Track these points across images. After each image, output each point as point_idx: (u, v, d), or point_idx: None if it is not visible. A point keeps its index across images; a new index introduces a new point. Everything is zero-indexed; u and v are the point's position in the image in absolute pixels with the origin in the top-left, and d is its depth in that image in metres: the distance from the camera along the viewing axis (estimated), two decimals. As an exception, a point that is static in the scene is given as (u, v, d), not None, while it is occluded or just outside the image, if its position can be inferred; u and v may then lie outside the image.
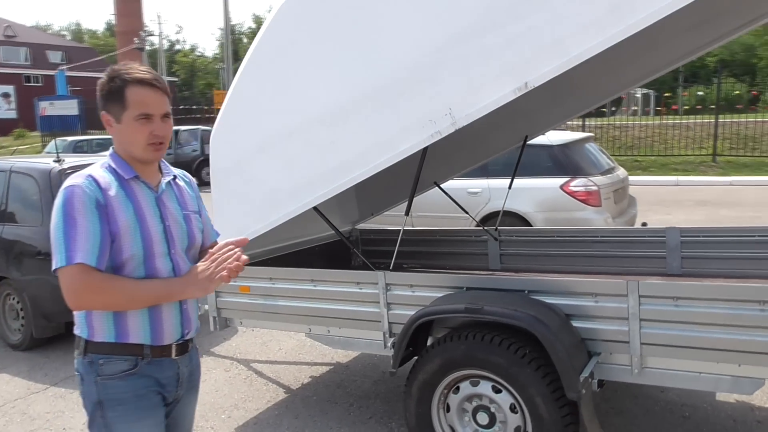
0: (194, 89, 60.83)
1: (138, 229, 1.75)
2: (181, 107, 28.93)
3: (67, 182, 1.72)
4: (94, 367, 1.77)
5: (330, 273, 3.44)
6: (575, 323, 2.73)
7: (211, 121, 26.11)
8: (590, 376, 2.63)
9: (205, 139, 18.15)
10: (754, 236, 3.77)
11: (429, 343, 3.08)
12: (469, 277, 3.07)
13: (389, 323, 3.20)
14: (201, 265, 1.78)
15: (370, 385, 4.22)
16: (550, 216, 6.48)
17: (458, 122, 2.89)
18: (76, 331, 1.81)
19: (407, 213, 3.33)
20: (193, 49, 75.49)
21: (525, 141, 4.38)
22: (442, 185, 4.69)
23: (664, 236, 4.00)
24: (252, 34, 61.44)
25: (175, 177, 1.96)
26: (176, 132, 18.78)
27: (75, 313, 1.79)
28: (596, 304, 2.70)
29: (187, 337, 1.91)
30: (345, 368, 4.55)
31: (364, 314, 3.29)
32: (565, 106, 4.26)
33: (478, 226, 4.69)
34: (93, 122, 25.84)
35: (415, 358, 3.04)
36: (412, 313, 3.05)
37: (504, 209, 6.67)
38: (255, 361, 4.79)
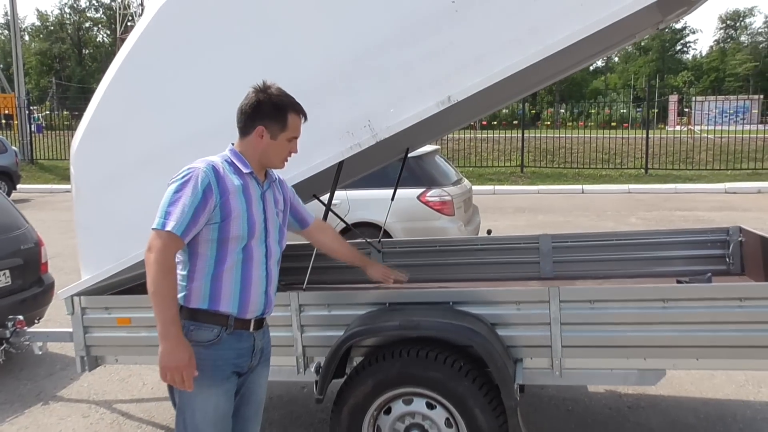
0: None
1: (246, 216, 2.11)
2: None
3: (192, 164, 2.09)
4: (185, 331, 2.04)
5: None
6: (500, 331, 2.80)
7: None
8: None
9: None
10: (613, 240, 4.20)
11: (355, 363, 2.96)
12: (389, 292, 3.00)
13: (303, 347, 3.02)
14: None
15: (276, 411, 3.94)
16: (408, 226, 6.65)
17: (379, 134, 2.83)
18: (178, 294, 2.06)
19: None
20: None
21: (407, 153, 4.44)
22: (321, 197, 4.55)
23: (537, 243, 4.30)
24: (36, 32, 54.94)
25: (275, 180, 2.34)
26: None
27: (178, 277, 2.08)
28: (519, 312, 2.79)
29: (265, 315, 2.26)
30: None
31: (274, 339, 3.05)
32: (442, 120, 4.39)
33: (365, 238, 4.62)
34: None
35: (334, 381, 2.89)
36: (330, 334, 2.91)
37: (363, 220, 6.82)
38: (118, 402, 4.22)
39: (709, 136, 17.49)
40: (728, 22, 55.37)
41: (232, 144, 2.23)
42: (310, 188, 4.47)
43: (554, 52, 2.65)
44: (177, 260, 2.08)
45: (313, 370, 2.86)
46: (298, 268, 4.00)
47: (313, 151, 2.89)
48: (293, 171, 2.94)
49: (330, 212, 4.53)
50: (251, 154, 2.19)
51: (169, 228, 1.98)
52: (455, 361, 2.66)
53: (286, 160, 2.26)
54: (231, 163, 2.16)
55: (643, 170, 15.98)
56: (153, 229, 2.00)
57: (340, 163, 3.00)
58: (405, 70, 2.77)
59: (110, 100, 3.20)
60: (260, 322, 2.26)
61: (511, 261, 4.36)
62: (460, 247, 4.46)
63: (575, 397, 3.98)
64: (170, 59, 3.02)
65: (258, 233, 2.15)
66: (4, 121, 24.52)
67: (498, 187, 14.85)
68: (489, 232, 6.37)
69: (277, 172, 2.41)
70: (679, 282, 3.52)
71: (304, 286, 3.08)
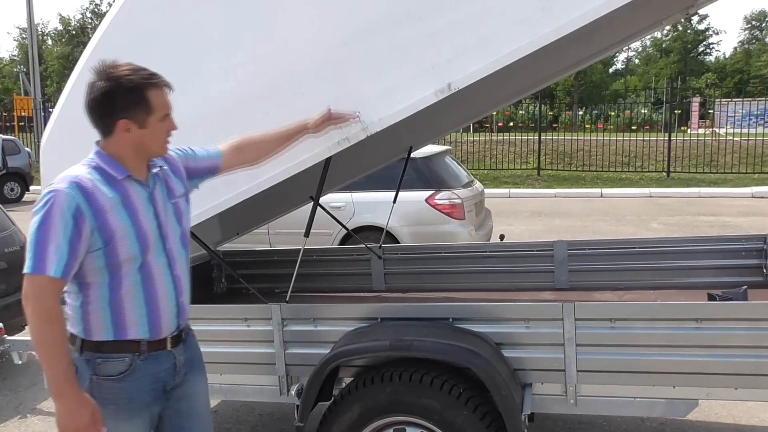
0: (-14, 94, 53.48)
1: (133, 232, 1.78)
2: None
3: (51, 185, 1.73)
4: (91, 366, 1.81)
5: (209, 309, 2.84)
6: (506, 352, 2.46)
7: (10, 130, 22.99)
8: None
9: (6, 149, 15.78)
10: (634, 248, 3.83)
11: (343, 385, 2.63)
12: (383, 306, 2.68)
13: (287, 365, 2.70)
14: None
15: (266, 430, 3.64)
16: (416, 230, 6.32)
17: (370, 127, 2.52)
18: (71, 328, 1.82)
19: (307, 233, 2.85)
20: (-17, 49, 66.40)
21: (410, 152, 4.11)
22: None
23: (551, 250, 3.93)
24: (59, 36, 55.50)
25: (161, 168, 1.94)
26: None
27: (70, 309, 1.83)
28: (529, 330, 2.45)
29: (182, 326, 1.94)
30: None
31: (254, 356, 2.75)
32: (448, 115, 4.06)
33: (365, 243, 4.29)
34: None
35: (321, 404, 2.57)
36: (316, 352, 2.59)
37: (368, 224, 6.50)
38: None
39: (734, 139, 16.91)
40: (753, 22, 54.19)
41: (97, 144, 1.84)
42: (305, 189, 4.17)
43: (569, 33, 2.30)
44: (66, 290, 1.80)
45: (294, 392, 2.54)
46: (282, 275, 3.70)
47: (297, 145, 2.58)
48: (275, 169, 2.65)
49: (329, 215, 4.25)
50: (123, 153, 1.81)
51: (46, 272, 1.66)
52: (453, 387, 2.32)
53: (168, 142, 1.90)
54: (100, 170, 1.79)
55: (665, 173, 15.47)
56: (25, 273, 1.67)
57: (328, 160, 2.68)
58: (399, 55, 2.45)
59: (81, 88, 2.93)
60: (178, 337, 1.94)
61: (523, 270, 4.00)
62: (466, 253, 4.12)
63: (591, 420, 3.62)
64: (143, 45, 2.73)
65: (153, 245, 1.83)
66: (23, 123, 24.65)
67: (513, 191, 14.44)
68: (502, 237, 6.01)
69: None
70: (710, 296, 3.13)
71: (287, 298, 2.76)
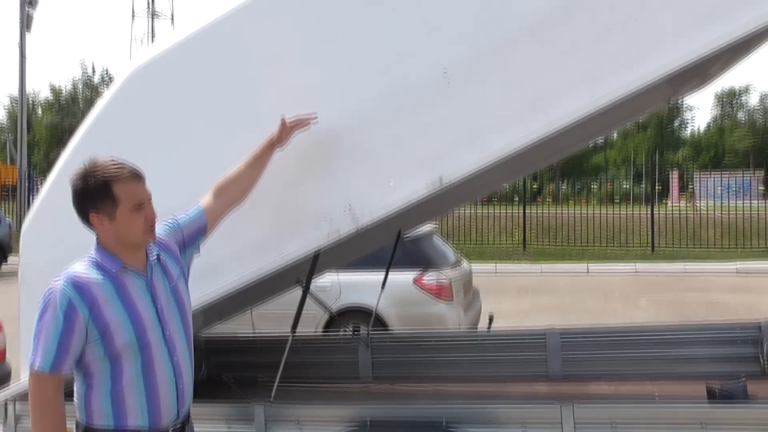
0: (-30, 162, 53.33)
1: (129, 322, 1.84)
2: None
3: (51, 282, 1.86)
4: None
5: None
6: (503, 459, 2.32)
7: (-7, 200, 22.84)
8: None
9: (-13, 221, 15.55)
10: (629, 336, 3.75)
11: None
12: (372, 408, 2.53)
13: (269, 473, 2.53)
14: None
15: None
16: (403, 311, 6.18)
17: (361, 220, 2.46)
18: (77, 415, 1.89)
19: (295, 327, 2.75)
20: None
21: (399, 236, 4.05)
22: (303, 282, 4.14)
23: (544, 338, 3.83)
24: (49, 105, 56.13)
25: (158, 255, 1.99)
26: (-52, 213, 15.96)
27: (75, 396, 1.89)
28: (526, 435, 2.32)
29: (183, 417, 1.96)
30: None
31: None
32: (438, 200, 4.04)
33: (354, 330, 4.17)
34: None
35: None
36: (301, 457, 2.43)
37: (355, 305, 6.36)
38: None
39: (716, 213, 17.17)
40: (724, 99, 56.38)
41: (96, 239, 1.94)
42: (291, 272, 4.08)
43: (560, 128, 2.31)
44: (75, 378, 1.89)
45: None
46: (266, 364, 3.55)
47: (285, 237, 2.53)
48: (261, 262, 2.57)
49: (316, 301, 4.15)
50: (111, 245, 1.90)
51: (36, 366, 1.78)
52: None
53: (152, 229, 1.94)
54: (97, 264, 1.88)
55: (649, 248, 15.57)
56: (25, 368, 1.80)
57: (317, 252, 2.61)
58: (391, 148, 2.44)
59: (65, 178, 2.88)
60: (181, 430, 1.97)
61: (515, 359, 3.88)
62: (457, 342, 4.01)
63: None
64: (127, 139, 2.71)
65: (152, 333, 1.88)
66: (6, 192, 24.50)
67: (500, 266, 14.38)
68: (491, 318, 5.89)
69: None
70: (709, 390, 3.03)
71: (272, 395, 2.62)
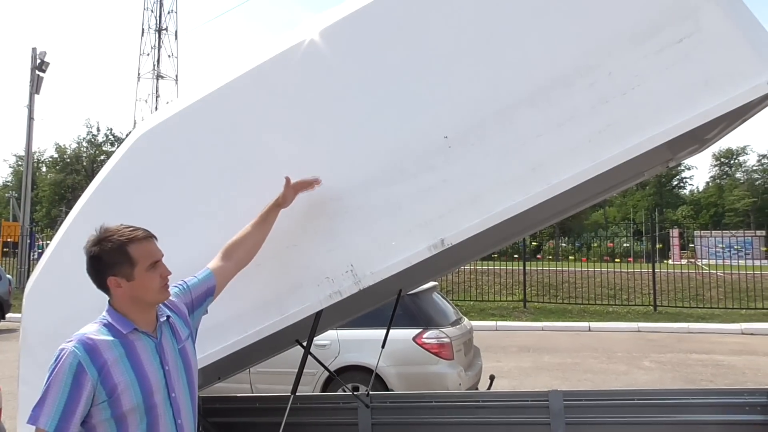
0: (-27, 220, 53.49)
1: (136, 384, 1.87)
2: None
3: (64, 343, 1.87)
4: None
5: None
6: None
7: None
8: None
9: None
10: (634, 400, 3.68)
11: None
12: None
13: None
14: None
15: None
16: (403, 370, 6.10)
17: (362, 281, 2.47)
18: None
19: (295, 389, 2.71)
20: (-28, 173, 67.22)
21: (399, 295, 4.04)
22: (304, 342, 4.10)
23: (547, 401, 3.77)
24: (53, 163, 56.70)
25: (168, 316, 2.03)
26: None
27: None
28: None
29: None
30: None
31: None
32: (439, 260, 4.04)
33: (353, 390, 4.10)
34: None
35: None
36: None
37: (354, 363, 6.27)
38: None
39: (718, 272, 17.09)
40: (722, 159, 57.04)
41: (109, 302, 1.98)
42: (290, 331, 4.05)
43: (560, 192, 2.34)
44: None
45: None
46: (264, 425, 3.48)
47: (287, 298, 2.54)
48: (263, 322, 2.56)
49: (314, 360, 4.10)
50: (125, 307, 1.95)
51: (39, 424, 1.79)
52: None
53: (167, 287, 2.00)
54: (109, 326, 1.92)
55: (651, 307, 15.44)
56: (27, 423, 1.82)
57: (319, 312, 2.60)
58: (393, 210, 2.47)
59: (71, 239, 2.90)
60: None
61: (518, 421, 3.80)
62: (458, 403, 3.94)
63: None
64: (133, 201, 2.75)
65: (159, 395, 1.91)
66: (7, 249, 24.46)
67: (500, 323, 14.25)
68: (492, 378, 5.81)
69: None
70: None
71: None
